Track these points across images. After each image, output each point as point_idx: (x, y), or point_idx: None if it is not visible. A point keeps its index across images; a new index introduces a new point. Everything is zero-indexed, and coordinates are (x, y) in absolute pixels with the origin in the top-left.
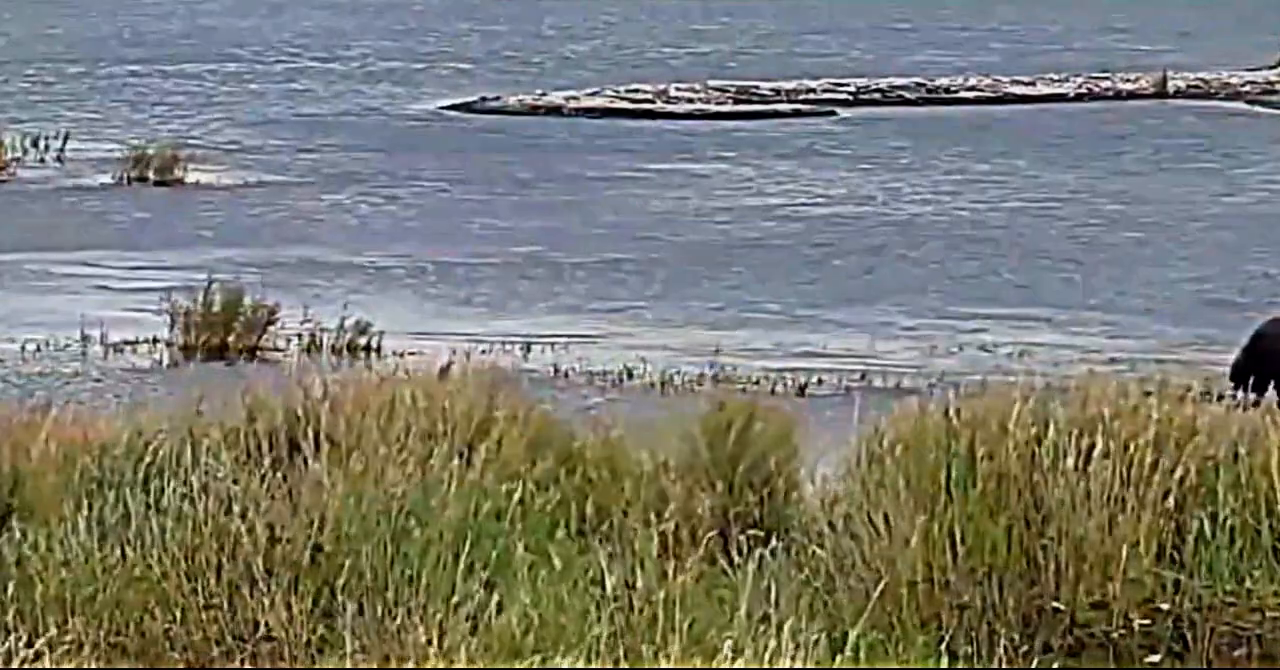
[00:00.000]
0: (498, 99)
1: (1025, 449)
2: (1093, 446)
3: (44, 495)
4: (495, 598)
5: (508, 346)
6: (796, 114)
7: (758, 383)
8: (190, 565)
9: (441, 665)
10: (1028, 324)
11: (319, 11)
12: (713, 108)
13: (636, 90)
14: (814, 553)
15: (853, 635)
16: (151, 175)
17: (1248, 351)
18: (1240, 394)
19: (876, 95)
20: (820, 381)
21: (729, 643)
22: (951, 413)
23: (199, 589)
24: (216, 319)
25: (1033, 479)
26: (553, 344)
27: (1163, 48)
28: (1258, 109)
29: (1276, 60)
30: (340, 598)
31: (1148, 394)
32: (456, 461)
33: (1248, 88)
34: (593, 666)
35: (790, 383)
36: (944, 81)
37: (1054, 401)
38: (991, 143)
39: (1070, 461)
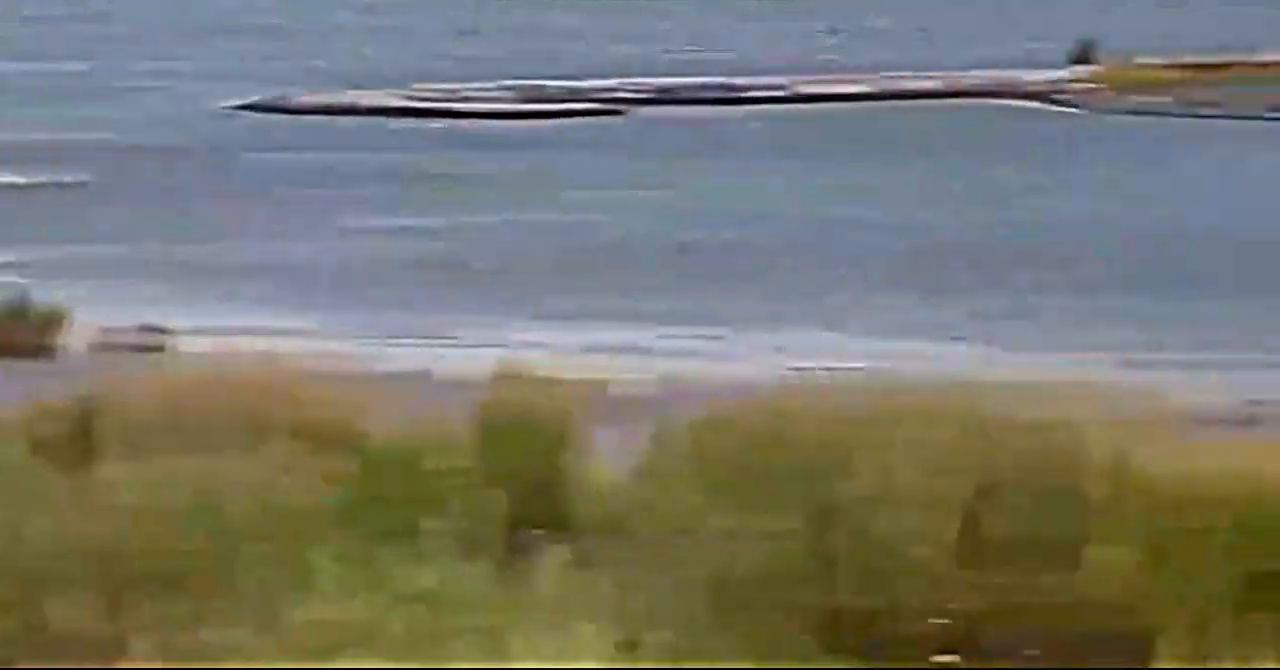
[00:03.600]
0: (284, 98)
1: (821, 447)
2: (891, 446)
3: None
4: (289, 597)
5: (304, 344)
6: (587, 113)
7: (554, 382)
8: None
9: (237, 665)
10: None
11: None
12: (504, 107)
13: (426, 89)
14: (607, 552)
15: (645, 635)
16: None
17: None
18: None
19: (671, 94)
20: (617, 382)
21: (520, 643)
22: (745, 413)
23: None
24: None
25: (829, 477)
26: (356, 342)
27: (958, 48)
28: (1050, 107)
29: (1068, 59)
30: (133, 597)
31: (937, 394)
32: (246, 460)
33: (1040, 87)
34: (386, 666)
35: (589, 382)
36: (741, 81)
37: (851, 400)
38: (786, 141)
39: (867, 460)
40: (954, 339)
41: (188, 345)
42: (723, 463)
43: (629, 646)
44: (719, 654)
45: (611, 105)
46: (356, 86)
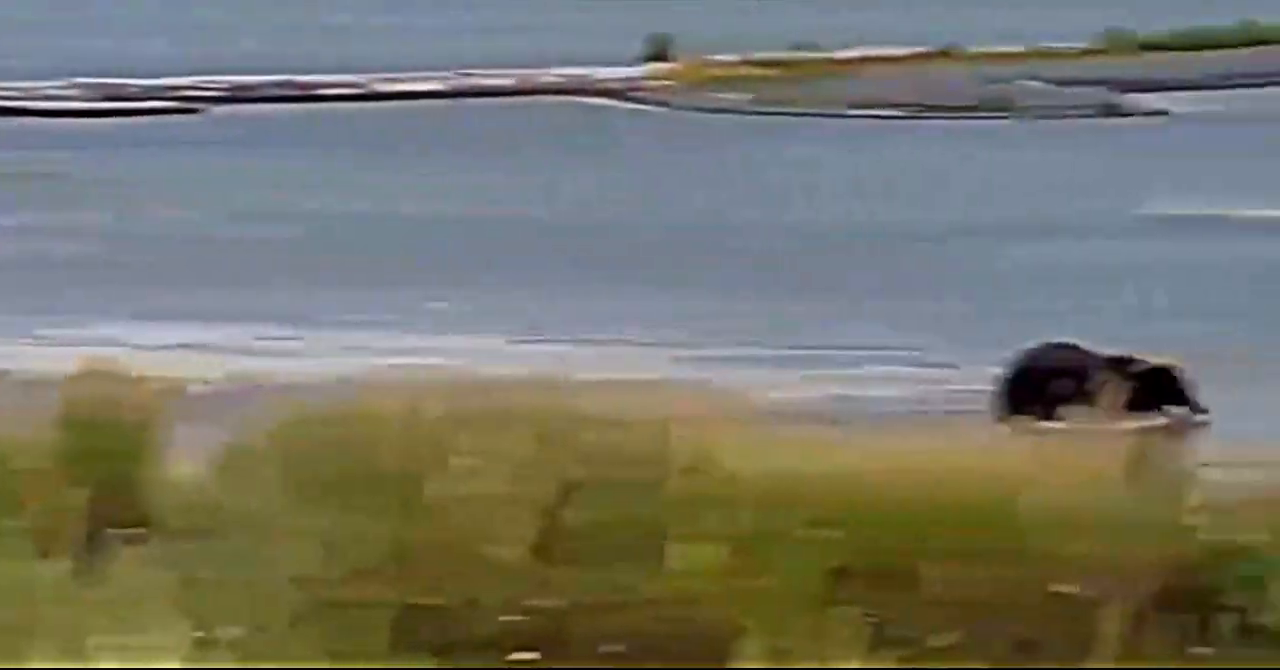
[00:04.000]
0: None
1: (404, 446)
2: (472, 444)
3: None
4: None
5: None
6: (163, 112)
7: (135, 380)
8: None
9: None
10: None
11: None
12: (78, 105)
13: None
14: (186, 550)
15: (221, 633)
16: None
17: (1012, 385)
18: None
19: (248, 92)
20: (198, 380)
21: (97, 641)
22: (327, 412)
23: None
24: None
25: (411, 476)
26: None
27: (532, 44)
28: (624, 105)
29: (640, 57)
30: None
31: (518, 392)
32: None
33: (615, 84)
34: None
35: (170, 380)
36: (315, 79)
37: (431, 400)
38: (360, 139)
39: (448, 459)
40: (536, 338)
41: None
42: (303, 462)
43: (205, 645)
44: (296, 653)
45: (187, 103)
46: None
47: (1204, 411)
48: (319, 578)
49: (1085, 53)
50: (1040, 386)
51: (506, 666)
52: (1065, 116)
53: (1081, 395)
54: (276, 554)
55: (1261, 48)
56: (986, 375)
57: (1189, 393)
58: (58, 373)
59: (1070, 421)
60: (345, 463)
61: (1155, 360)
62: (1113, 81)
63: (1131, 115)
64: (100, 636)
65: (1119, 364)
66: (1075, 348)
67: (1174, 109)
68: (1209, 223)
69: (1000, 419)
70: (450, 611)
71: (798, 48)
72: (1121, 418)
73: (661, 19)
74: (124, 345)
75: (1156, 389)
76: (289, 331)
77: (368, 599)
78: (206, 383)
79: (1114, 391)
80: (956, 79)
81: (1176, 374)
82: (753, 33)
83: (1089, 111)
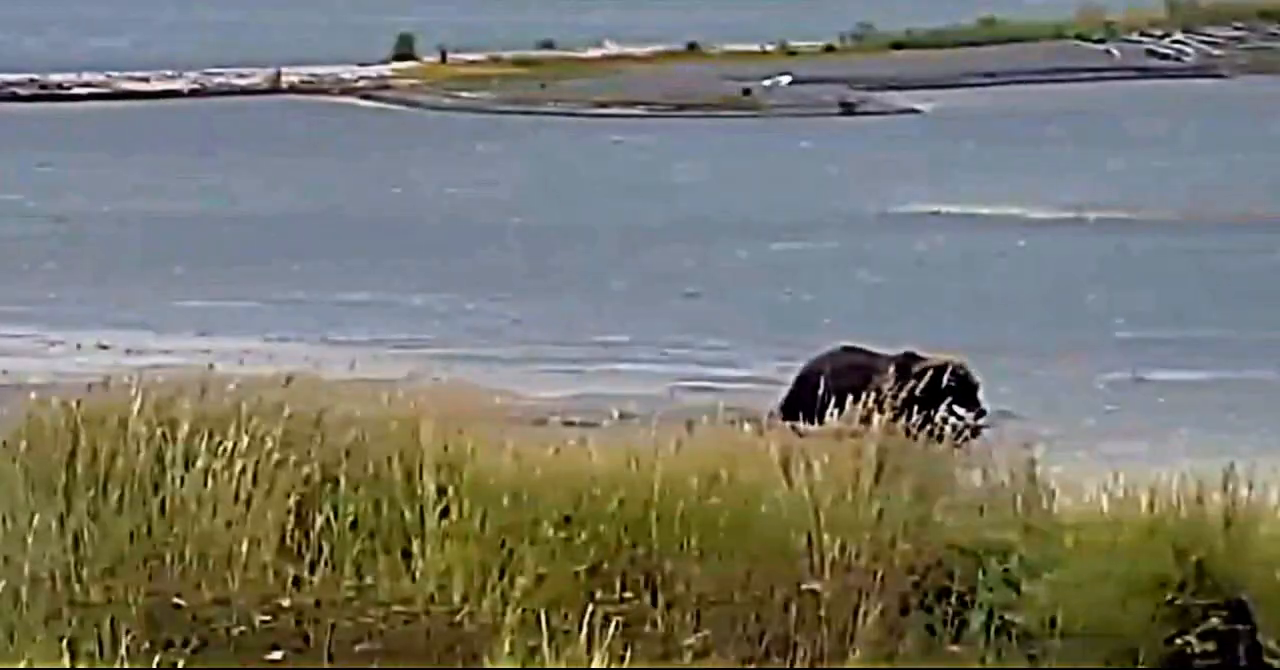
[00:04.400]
0: None
1: (149, 446)
2: (219, 444)
3: None
4: None
5: None
6: None
7: None
8: None
9: None
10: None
11: None
12: None
13: None
14: None
15: None
16: None
17: (796, 389)
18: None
19: None
20: None
21: None
22: (72, 409)
23: None
24: None
25: (157, 476)
26: None
27: (278, 43)
28: (370, 104)
29: (389, 56)
30: None
31: (286, 385)
32: None
33: (361, 83)
34: None
35: None
36: (57, 78)
37: (181, 399)
38: (103, 137)
39: (196, 459)
40: (287, 337)
41: None
42: (49, 461)
43: None
44: (47, 652)
45: None
46: None
47: (983, 412)
48: (67, 577)
49: (831, 50)
50: (829, 388)
51: (259, 666)
52: (813, 115)
53: (867, 395)
54: (22, 554)
55: (1009, 46)
56: (732, 374)
57: (974, 392)
58: None
59: (830, 422)
60: (91, 459)
61: (939, 358)
62: (861, 80)
63: (884, 113)
64: None
65: (905, 363)
66: (862, 350)
67: (923, 107)
68: (958, 220)
69: (783, 421)
70: (201, 611)
71: (544, 46)
72: (903, 417)
73: (407, 18)
74: None
75: (941, 388)
76: (34, 330)
77: (117, 599)
78: None
79: (898, 391)
80: (703, 77)
81: (963, 372)
82: (499, 31)
83: (837, 110)
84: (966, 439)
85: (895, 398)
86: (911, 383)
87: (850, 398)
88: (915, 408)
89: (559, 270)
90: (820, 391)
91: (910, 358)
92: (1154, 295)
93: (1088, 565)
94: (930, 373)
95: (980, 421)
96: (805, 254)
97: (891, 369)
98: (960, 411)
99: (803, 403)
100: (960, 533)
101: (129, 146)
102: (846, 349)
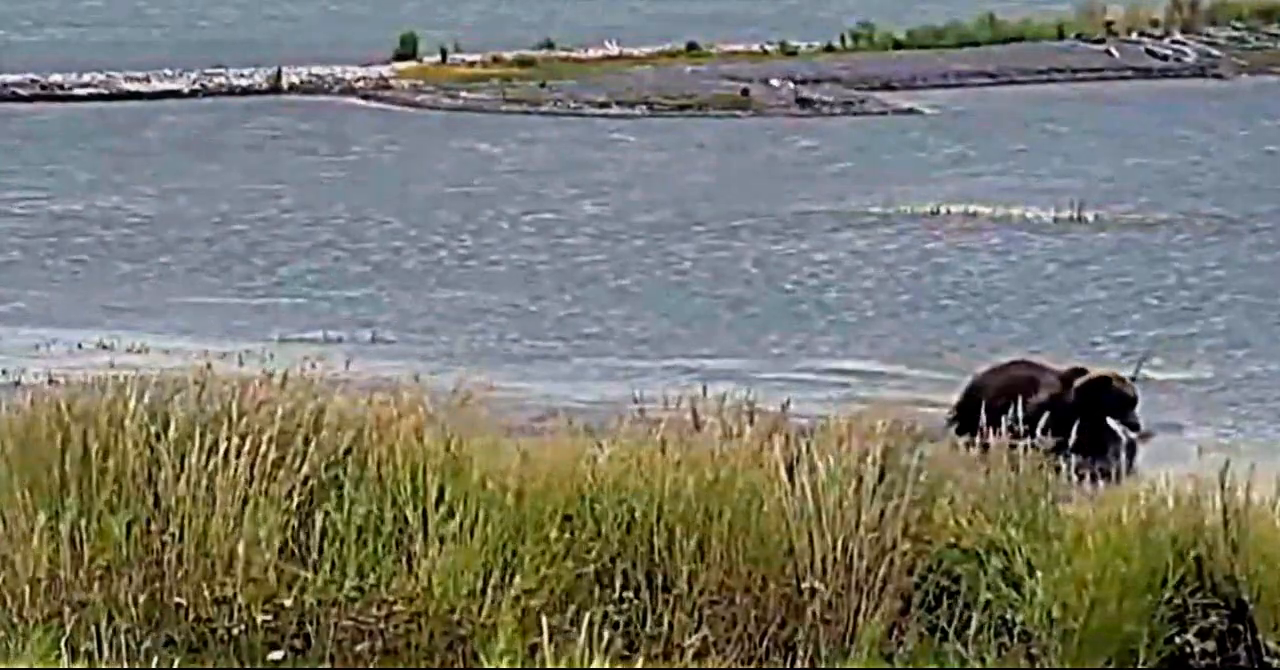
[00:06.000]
0: None
1: (144, 445)
2: (216, 443)
3: None
4: None
5: None
6: None
7: None
8: None
9: None
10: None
11: None
12: None
13: None
14: None
15: None
16: None
17: (965, 400)
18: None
19: None
20: None
21: None
22: (64, 409)
23: None
24: None
25: (153, 475)
26: None
27: (279, 43)
28: (372, 104)
29: (390, 56)
30: None
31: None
32: None
33: (362, 83)
34: None
35: None
36: (57, 78)
37: (174, 398)
38: (105, 140)
39: (194, 458)
40: (284, 335)
41: None
42: (43, 462)
43: None
44: (46, 652)
45: None
46: None
47: (1137, 426)
48: (65, 579)
49: (831, 50)
50: (995, 400)
51: (259, 666)
52: (814, 115)
53: (1029, 407)
54: (19, 556)
55: (1009, 45)
56: (732, 374)
57: (1131, 405)
58: None
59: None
60: (88, 461)
61: (1099, 372)
62: (861, 79)
63: (884, 113)
64: None
65: (1069, 376)
66: (1032, 363)
67: (924, 107)
68: (959, 219)
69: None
70: (201, 611)
71: (544, 46)
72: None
73: (408, 18)
74: None
75: (1099, 401)
76: (30, 330)
77: (117, 600)
78: None
79: (1058, 404)
80: (702, 77)
81: (1119, 386)
82: (499, 31)
83: (838, 110)
84: (1125, 454)
85: (1057, 410)
86: (1070, 396)
87: (1013, 409)
88: (1074, 419)
89: (559, 270)
90: (985, 403)
91: (1075, 372)
92: (1154, 295)
93: (1087, 565)
94: (1087, 386)
95: (1134, 434)
96: (805, 254)
97: (1058, 382)
98: (1113, 424)
99: (970, 413)
100: (962, 530)
101: (129, 146)
102: (1015, 362)
